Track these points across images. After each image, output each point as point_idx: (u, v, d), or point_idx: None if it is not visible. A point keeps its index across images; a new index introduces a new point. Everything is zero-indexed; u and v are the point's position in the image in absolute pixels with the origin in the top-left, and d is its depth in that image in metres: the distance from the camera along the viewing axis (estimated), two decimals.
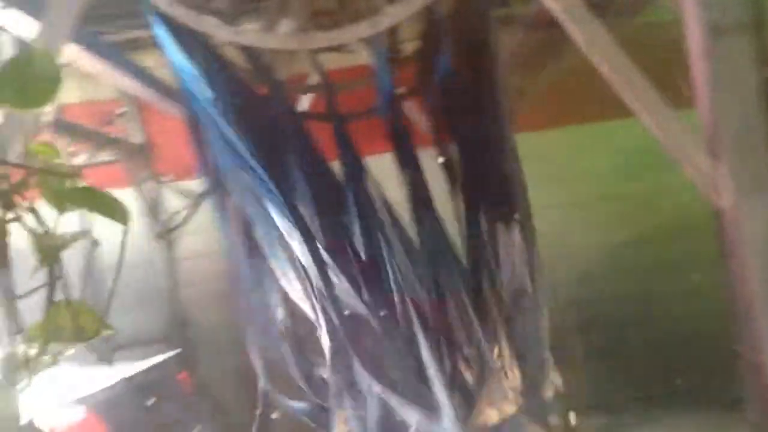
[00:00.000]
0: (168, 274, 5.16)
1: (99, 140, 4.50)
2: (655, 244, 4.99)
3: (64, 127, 3.98)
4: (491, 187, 2.98)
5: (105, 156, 4.88)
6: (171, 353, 4.50)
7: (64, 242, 1.01)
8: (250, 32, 2.52)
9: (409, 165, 3.02)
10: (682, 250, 4.83)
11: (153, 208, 5.11)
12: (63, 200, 0.93)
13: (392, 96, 2.98)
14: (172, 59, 2.73)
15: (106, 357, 5.06)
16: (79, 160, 4.76)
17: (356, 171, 3.05)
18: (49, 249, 0.94)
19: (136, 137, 5.10)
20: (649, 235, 4.98)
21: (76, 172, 1.02)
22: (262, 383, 3.08)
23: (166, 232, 5.02)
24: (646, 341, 5.03)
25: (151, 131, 5.21)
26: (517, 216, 2.92)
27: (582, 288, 4.75)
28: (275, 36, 2.55)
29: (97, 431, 3.12)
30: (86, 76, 4.88)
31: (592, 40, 2.16)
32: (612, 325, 5.03)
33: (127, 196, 5.16)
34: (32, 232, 0.94)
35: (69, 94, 5.16)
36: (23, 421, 0.91)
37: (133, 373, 3.83)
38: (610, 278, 5.00)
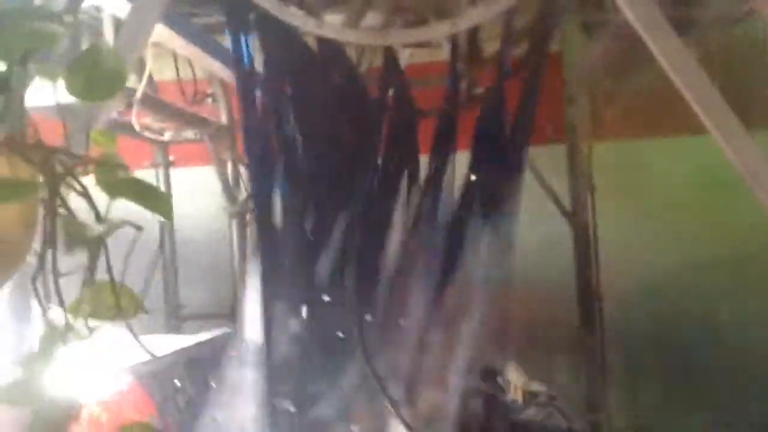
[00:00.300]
0: (240, 253, 5.34)
1: (186, 119, 4.70)
2: (725, 265, 4.82)
3: (153, 103, 4.18)
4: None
5: (191, 134, 5.10)
6: (226, 330, 4.58)
7: (111, 227, 1.10)
8: (333, 26, 2.60)
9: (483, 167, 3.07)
10: (756, 272, 4.66)
11: (231, 188, 5.30)
12: (114, 190, 1.02)
13: (459, 95, 3.05)
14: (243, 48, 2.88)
15: (174, 328, 5.30)
16: (167, 136, 5.00)
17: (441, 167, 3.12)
18: (92, 236, 1.03)
19: (221, 118, 5.29)
20: (720, 255, 4.82)
21: (124, 166, 1.12)
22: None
23: (240, 212, 5.19)
24: (713, 365, 4.87)
25: (236, 113, 5.39)
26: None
27: (647, 303, 4.65)
28: (357, 31, 2.62)
29: (142, 401, 3.10)
30: (180, 56, 5.14)
31: (666, 53, 2.13)
32: (677, 345, 4.90)
33: (208, 173, 5.38)
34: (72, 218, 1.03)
35: (164, 72, 5.42)
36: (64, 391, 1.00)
37: (186, 345, 3.87)
38: (677, 296, 4.87)
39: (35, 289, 0.94)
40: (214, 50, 3.79)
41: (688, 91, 2.14)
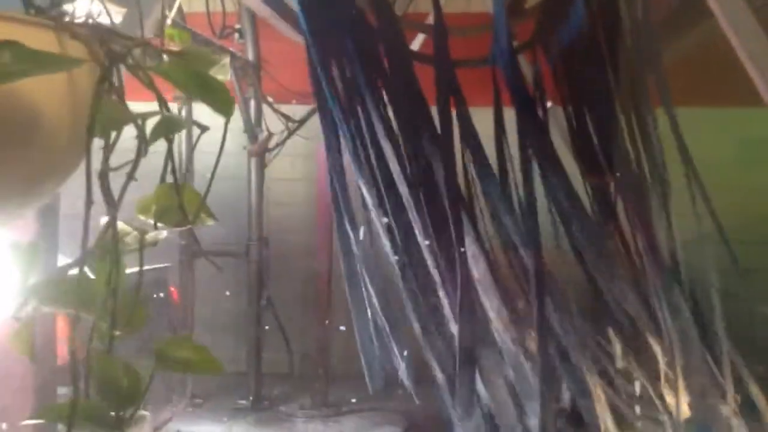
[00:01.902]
0: (257, 192, 5.29)
1: (215, 50, 4.59)
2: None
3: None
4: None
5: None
6: (166, 264, 4.83)
7: (179, 123, 1.03)
8: None
9: (528, 120, 2.96)
10: None
11: (253, 126, 5.22)
12: (177, 77, 0.95)
13: (509, 46, 2.90)
14: None
15: (189, 263, 5.29)
16: None
17: (462, 120, 3.00)
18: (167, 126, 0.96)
19: (248, 54, 5.18)
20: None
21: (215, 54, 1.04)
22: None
23: (262, 151, 5.12)
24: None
25: (262, 51, 5.29)
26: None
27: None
28: None
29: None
30: None
31: (731, 16, 2.01)
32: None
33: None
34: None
35: (192, 4, 5.31)
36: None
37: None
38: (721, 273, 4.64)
39: (103, 184, 0.87)
40: None
41: (748, 59, 2.02)
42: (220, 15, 5.04)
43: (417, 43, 4.02)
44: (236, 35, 5.21)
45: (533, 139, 2.96)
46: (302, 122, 4.96)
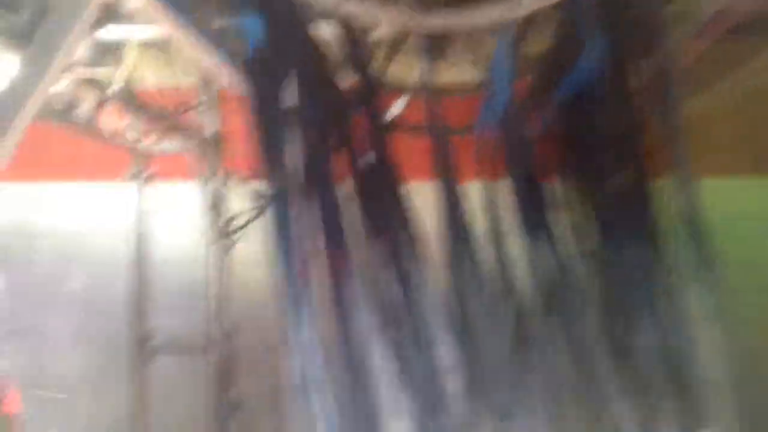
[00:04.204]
0: (220, 279, 4.80)
1: (170, 124, 4.19)
2: None
3: (134, 104, 3.68)
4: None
5: (173, 144, 4.60)
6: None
7: None
8: (360, 1, 2.14)
9: (528, 196, 2.61)
10: None
11: (215, 206, 4.78)
12: None
13: (510, 107, 2.57)
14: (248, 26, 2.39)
15: (143, 362, 4.74)
16: (148, 142, 4.48)
17: (453, 198, 2.65)
18: None
19: (209, 130, 4.80)
20: None
21: None
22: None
23: (225, 233, 4.67)
24: None
25: (225, 127, 4.93)
26: None
27: None
28: (390, 10, 2.17)
29: None
30: (166, 63, 4.68)
31: None
32: None
33: (190, 190, 4.88)
34: None
35: (147, 79, 4.95)
36: None
37: None
38: None
39: None
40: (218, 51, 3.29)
41: None
42: (177, 91, 4.69)
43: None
44: (198, 110, 4.85)
45: (531, 218, 2.63)
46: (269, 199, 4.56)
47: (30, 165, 5.53)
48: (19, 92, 1.43)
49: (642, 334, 2.53)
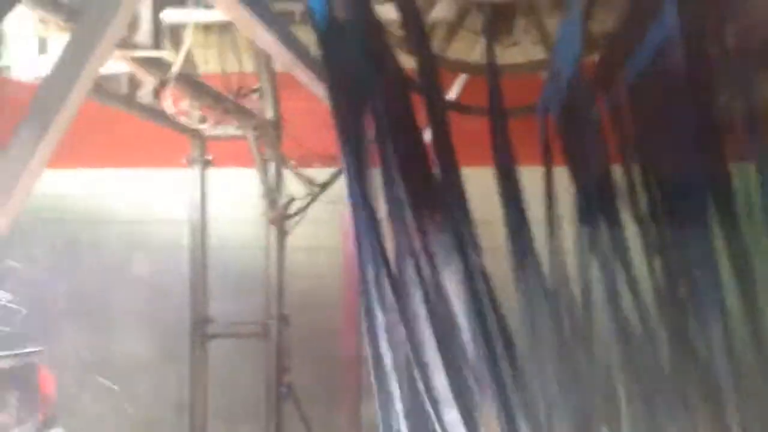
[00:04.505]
0: (277, 263, 4.80)
1: (227, 107, 4.19)
2: None
3: (191, 85, 3.68)
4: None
5: (232, 129, 4.62)
6: (36, 348, 4.46)
7: None
8: None
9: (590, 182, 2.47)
10: None
11: (273, 192, 4.78)
12: None
13: (575, 87, 2.42)
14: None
15: (202, 345, 4.80)
16: (207, 126, 4.51)
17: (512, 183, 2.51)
18: None
19: (268, 114, 4.79)
20: None
21: None
22: None
23: (282, 218, 4.67)
24: None
25: (284, 113, 4.93)
26: None
27: None
28: None
29: None
30: (226, 47, 4.68)
31: None
32: None
33: (248, 176, 4.90)
34: None
35: (208, 63, 4.98)
36: None
37: None
38: None
39: None
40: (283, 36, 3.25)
41: None
42: (237, 76, 4.69)
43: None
44: (255, 95, 4.85)
45: (596, 204, 2.48)
46: (326, 186, 4.55)
47: (97, 153, 5.67)
48: (69, 69, 1.40)
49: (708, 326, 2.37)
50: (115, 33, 1.46)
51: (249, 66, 4.73)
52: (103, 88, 3.42)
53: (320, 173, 4.62)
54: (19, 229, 5.22)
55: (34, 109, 1.43)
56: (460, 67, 3.03)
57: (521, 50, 3.56)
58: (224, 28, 4.62)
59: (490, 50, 2.53)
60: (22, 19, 2.46)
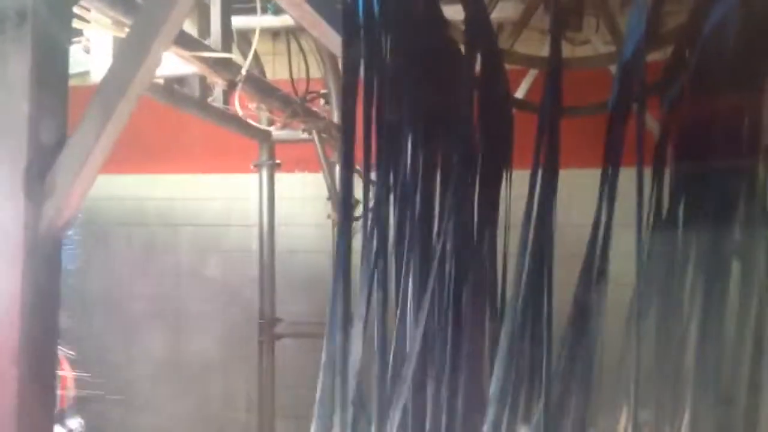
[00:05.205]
0: None
1: (295, 109, 4.24)
2: None
3: (259, 85, 3.75)
4: None
5: (300, 132, 4.68)
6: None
7: None
8: None
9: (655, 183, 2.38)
10: None
11: (338, 195, 4.81)
12: None
13: (643, 84, 2.32)
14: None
15: (269, 345, 4.87)
16: (276, 129, 4.59)
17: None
18: None
19: (334, 118, 4.83)
20: None
21: None
22: None
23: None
24: None
25: None
26: None
27: None
28: None
29: None
30: (294, 54, 4.76)
31: None
32: None
33: (316, 180, 4.95)
34: None
35: (277, 70, 5.07)
36: None
37: None
38: None
39: None
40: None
41: None
42: (305, 81, 4.75)
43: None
44: (321, 100, 4.91)
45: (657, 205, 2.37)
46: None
47: (173, 159, 5.87)
48: (126, 65, 1.44)
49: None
50: (173, 26, 1.50)
51: (316, 72, 4.79)
52: (176, 92, 3.52)
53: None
54: (102, 232, 5.42)
55: (97, 102, 1.47)
56: (528, 61, 2.96)
57: (591, 48, 3.48)
58: (291, 34, 4.70)
59: (554, 42, 2.46)
60: (97, 23, 2.55)
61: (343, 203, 2.10)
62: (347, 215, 2.09)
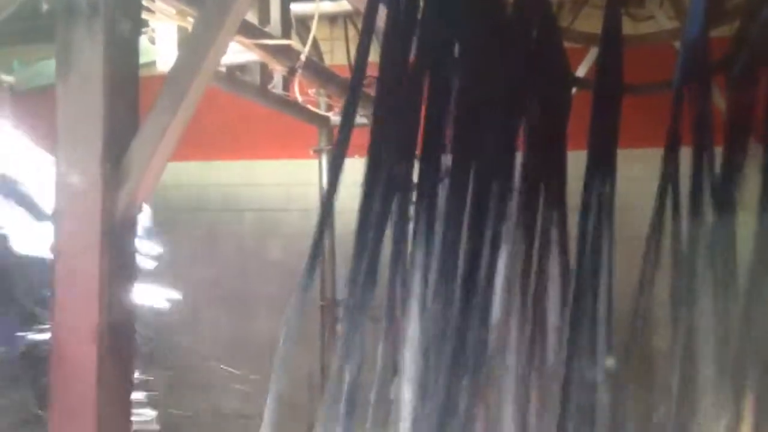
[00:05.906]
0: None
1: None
2: None
3: (318, 71, 3.79)
4: None
5: (359, 118, 4.70)
6: None
7: None
8: None
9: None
10: None
11: None
12: None
13: (704, 62, 2.24)
14: None
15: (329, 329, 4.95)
16: (335, 114, 4.63)
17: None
18: None
19: None
20: None
21: None
22: None
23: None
24: None
25: None
26: None
27: None
28: None
29: None
30: (353, 39, 4.77)
31: None
32: None
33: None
34: None
35: (335, 56, 5.10)
36: None
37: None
38: None
39: None
40: None
41: None
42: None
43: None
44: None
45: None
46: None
47: (234, 146, 5.98)
48: (193, 55, 1.49)
49: None
50: (238, 14, 1.53)
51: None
52: (238, 80, 3.60)
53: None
54: (166, 218, 5.58)
55: (166, 91, 1.52)
56: (588, 39, 2.90)
57: (656, 24, 3.37)
58: (349, 19, 4.72)
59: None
60: (162, 13, 2.62)
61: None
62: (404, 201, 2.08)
